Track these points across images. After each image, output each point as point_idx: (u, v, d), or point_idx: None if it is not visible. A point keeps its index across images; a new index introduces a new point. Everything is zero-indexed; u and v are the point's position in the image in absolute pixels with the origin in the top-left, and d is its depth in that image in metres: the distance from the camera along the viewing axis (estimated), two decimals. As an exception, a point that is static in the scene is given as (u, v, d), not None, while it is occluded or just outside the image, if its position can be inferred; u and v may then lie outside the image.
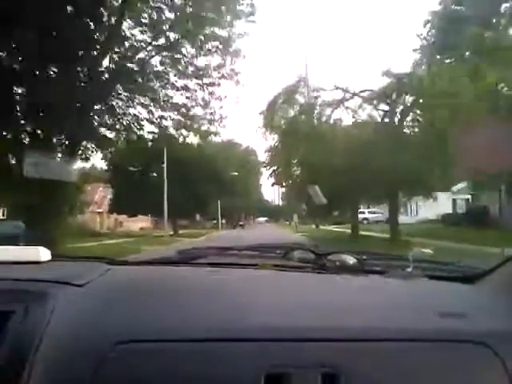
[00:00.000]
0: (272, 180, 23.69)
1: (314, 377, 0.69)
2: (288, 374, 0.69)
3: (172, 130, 15.37)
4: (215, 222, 55.35)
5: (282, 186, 28.27)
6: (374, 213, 40.58)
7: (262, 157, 24.42)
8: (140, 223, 47.81)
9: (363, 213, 44.43)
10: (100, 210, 41.21)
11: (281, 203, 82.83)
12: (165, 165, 27.99)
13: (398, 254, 1.59)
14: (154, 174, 29.29)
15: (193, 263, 1.32)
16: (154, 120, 14.58)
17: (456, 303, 0.95)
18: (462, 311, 0.87)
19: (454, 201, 33.33)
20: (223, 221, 61.98)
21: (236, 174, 48.95)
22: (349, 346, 0.75)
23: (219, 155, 40.21)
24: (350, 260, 1.23)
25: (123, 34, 13.33)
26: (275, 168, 22.09)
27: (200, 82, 14.61)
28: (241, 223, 60.92)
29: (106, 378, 0.70)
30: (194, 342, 0.74)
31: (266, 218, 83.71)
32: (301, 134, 17.60)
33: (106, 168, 33.58)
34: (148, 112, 14.53)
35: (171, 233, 33.19)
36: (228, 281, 1.10)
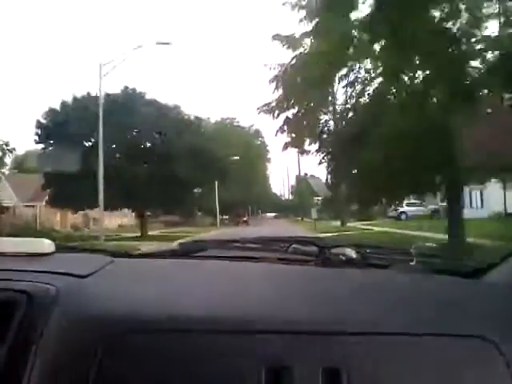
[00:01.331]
0: (282, 140, 14.20)
1: (315, 371, 0.71)
2: (289, 368, 0.71)
3: None
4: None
5: (302, 152, 18.52)
6: (414, 205, 30.85)
7: (268, 96, 13.85)
8: (121, 219, 39.25)
9: (401, 206, 35.18)
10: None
11: (290, 197, 75.68)
12: (100, 132, 17.53)
13: (401, 247, 1.58)
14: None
15: (194, 256, 1.35)
16: None
17: (459, 297, 0.96)
18: (466, 305, 0.89)
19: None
20: (226, 216, 53.66)
21: (237, 158, 39.53)
22: (351, 340, 0.76)
23: (208, 131, 31.04)
24: (354, 254, 1.24)
25: None
26: (293, 112, 12.28)
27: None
28: (244, 219, 52.11)
29: (108, 368, 0.73)
30: (196, 334, 0.77)
31: (274, 214, 77.68)
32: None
33: (37, 139, 24.08)
34: None
35: (138, 234, 24.47)
36: (230, 274, 1.13)
